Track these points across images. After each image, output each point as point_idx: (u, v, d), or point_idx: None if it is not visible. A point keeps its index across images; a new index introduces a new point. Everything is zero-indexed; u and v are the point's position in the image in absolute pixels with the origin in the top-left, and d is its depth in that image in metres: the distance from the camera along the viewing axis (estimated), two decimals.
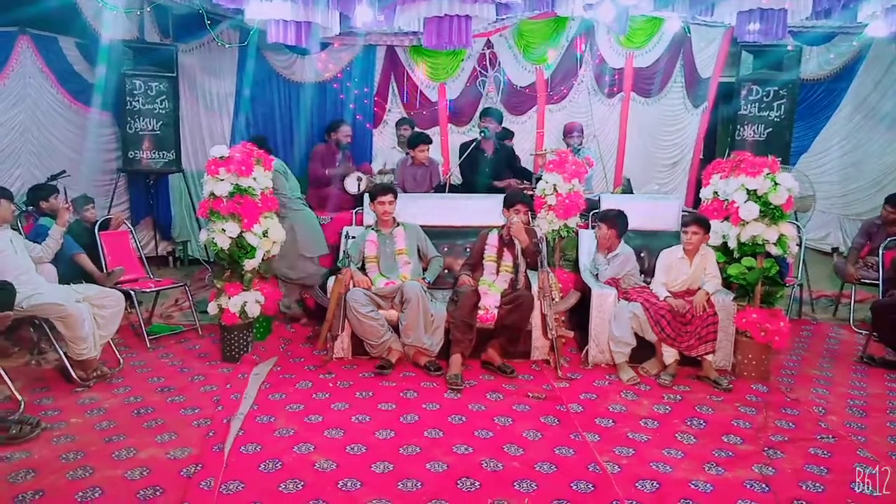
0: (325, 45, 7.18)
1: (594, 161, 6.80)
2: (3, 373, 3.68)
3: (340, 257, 4.56)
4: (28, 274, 4.11)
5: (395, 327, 4.39)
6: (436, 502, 2.78)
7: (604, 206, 5.17)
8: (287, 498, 2.79)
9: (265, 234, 4.54)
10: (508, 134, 7.03)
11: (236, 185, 4.33)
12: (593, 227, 4.97)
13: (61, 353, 4.02)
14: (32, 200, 5.32)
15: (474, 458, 3.17)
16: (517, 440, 3.36)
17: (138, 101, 6.88)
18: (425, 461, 3.12)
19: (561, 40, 7.38)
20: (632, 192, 6.77)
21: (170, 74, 6.96)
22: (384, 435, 3.40)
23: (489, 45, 7.42)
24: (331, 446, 3.27)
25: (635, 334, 4.29)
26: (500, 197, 4.88)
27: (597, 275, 4.73)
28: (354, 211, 5.57)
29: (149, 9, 6.74)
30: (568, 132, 6.73)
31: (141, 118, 6.93)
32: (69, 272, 4.76)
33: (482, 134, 6.20)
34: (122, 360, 4.37)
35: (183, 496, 2.78)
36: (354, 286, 4.40)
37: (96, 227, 5.22)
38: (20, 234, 4.50)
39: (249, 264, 4.46)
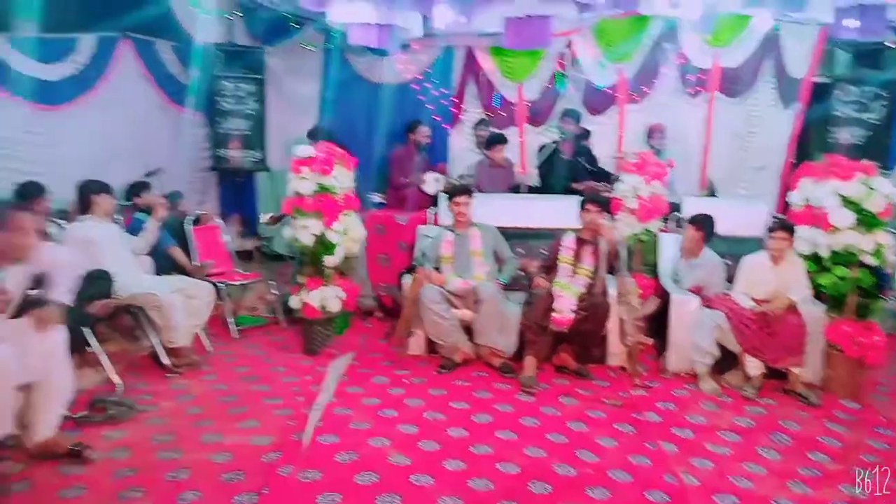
0: (405, 47, 7.29)
1: (675, 163, 6.62)
2: (104, 358, 3.94)
3: (416, 256, 4.63)
4: (126, 265, 4.36)
5: (468, 328, 4.42)
6: (506, 503, 2.80)
7: (686, 209, 5.03)
8: (362, 489, 2.87)
9: (345, 231, 4.66)
10: (585, 134, 6.94)
11: (319, 183, 4.47)
12: (678, 228, 4.84)
13: (155, 340, 4.26)
14: (130, 196, 5.64)
15: (547, 461, 3.16)
16: (591, 446, 3.33)
17: (228, 101, 7.20)
18: (497, 461, 3.13)
19: (643, 39, 7.21)
20: (716, 196, 6.56)
21: (257, 76, 7.25)
22: (456, 433, 3.44)
23: (569, 44, 7.34)
24: (405, 441, 3.33)
25: (718, 344, 4.16)
26: (577, 199, 4.83)
27: (677, 281, 4.61)
28: (431, 211, 5.64)
29: (239, 13, 7.03)
30: (651, 133, 6.59)
31: (230, 118, 7.25)
32: (163, 264, 5.03)
33: (561, 136, 6.15)
34: (210, 349, 4.59)
35: (263, 482, 2.90)
36: (430, 284, 4.46)
37: (188, 222, 5.49)
38: (120, 227, 4.79)
39: (330, 261, 4.60)
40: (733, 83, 7.35)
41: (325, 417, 3.59)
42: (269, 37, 7.38)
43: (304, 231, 4.49)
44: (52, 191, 4.53)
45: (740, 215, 5.05)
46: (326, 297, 4.61)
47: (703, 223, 4.54)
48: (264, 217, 6.36)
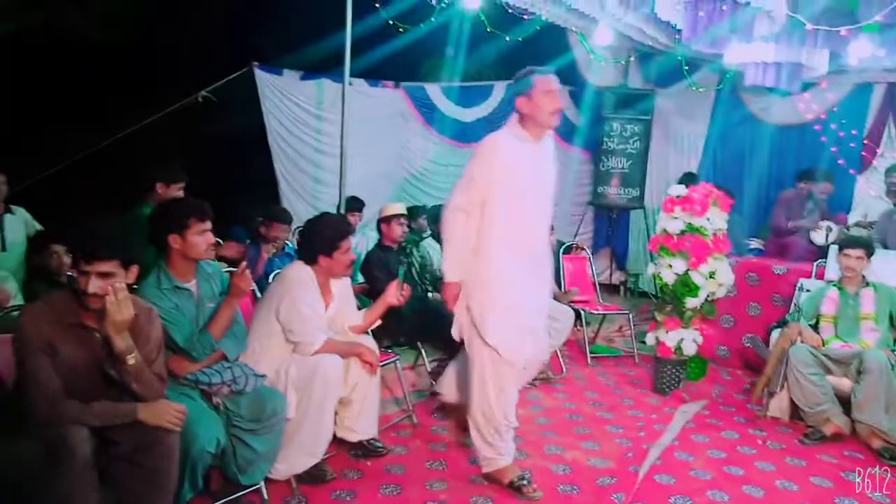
0: (808, 85, 6.70)
1: None
2: None
3: (791, 311, 4.24)
4: None
5: (844, 399, 3.86)
6: None
7: None
8: None
9: (712, 275, 4.51)
10: None
11: (689, 223, 4.43)
12: None
13: None
14: None
15: None
16: None
17: (613, 141, 7.56)
18: None
19: None
20: None
21: (645, 118, 7.47)
22: None
23: None
24: (747, 503, 3.10)
25: None
26: None
27: None
28: (816, 263, 5.08)
29: (633, 58, 7.34)
30: None
31: (613, 157, 7.60)
32: None
33: None
34: (565, 369, 4.90)
35: (596, 502, 3.02)
36: (802, 342, 4.04)
37: (560, 250, 5.94)
38: None
39: (691, 303, 4.50)
40: None
41: (664, 457, 3.54)
42: (661, 79, 7.53)
43: (668, 270, 4.49)
44: None
45: None
46: (683, 339, 4.52)
47: None
48: None
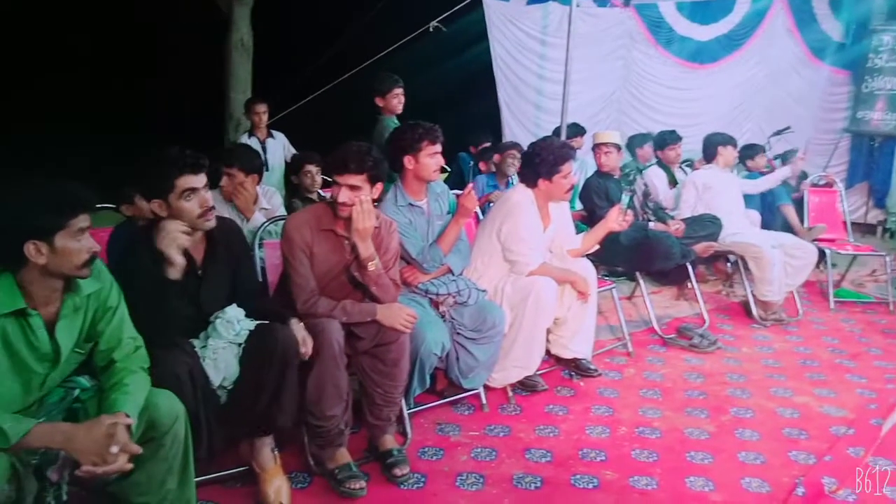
0: None
1: None
2: (699, 294, 4.34)
3: None
4: (735, 214, 4.59)
5: None
6: None
7: None
8: None
9: None
10: None
11: None
12: None
13: (748, 290, 4.43)
14: (748, 155, 5.76)
15: None
16: None
17: (881, 57, 6.51)
18: None
19: None
20: None
21: None
22: None
23: None
24: None
25: None
26: None
27: None
28: None
29: None
30: None
31: (881, 76, 6.55)
32: (772, 220, 5.09)
33: None
34: (801, 311, 4.50)
35: (827, 449, 2.81)
36: None
37: (800, 182, 5.37)
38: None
39: None
40: None
41: None
42: None
43: None
44: (686, 140, 5.07)
45: None
46: None
47: None
48: None
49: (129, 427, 1.71)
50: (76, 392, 1.90)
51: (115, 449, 1.64)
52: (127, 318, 1.96)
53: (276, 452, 2.38)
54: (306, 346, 2.28)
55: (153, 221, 2.17)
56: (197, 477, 2.05)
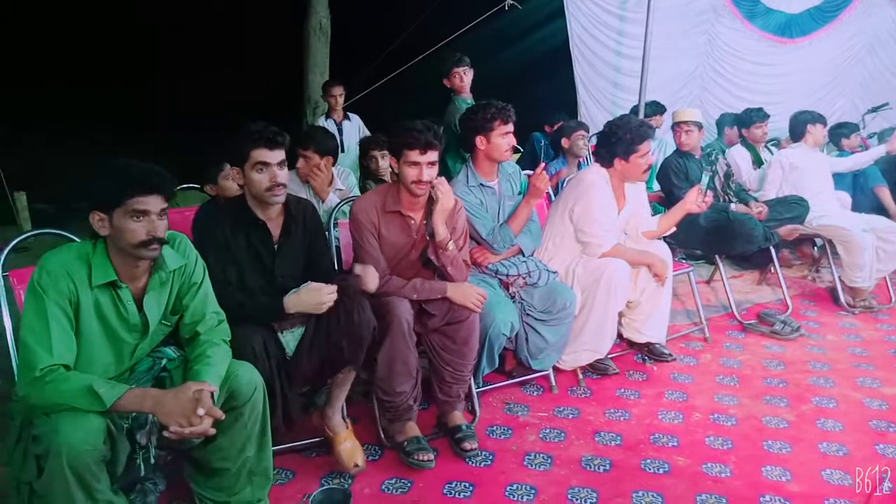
0: None
1: None
2: (782, 278, 4.16)
3: None
4: (824, 195, 4.36)
5: None
6: None
7: None
8: None
9: None
10: None
11: None
12: None
13: (836, 275, 4.21)
14: (840, 134, 5.44)
15: None
16: None
17: None
18: None
19: None
20: None
21: None
22: None
23: None
24: None
25: None
26: None
27: None
28: None
29: None
30: None
31: None
32: (865, 202, 4.81)
33: None
34: (893, 299, 4.25)
35: None
36: None
37: None
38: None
39: None
40: None
41: None
42: None
43: None
44: (772, 118, 4.83)
45: None
46: None
47: None
48: None
49: (212, 394, 1.81)
50: (163, 362, 2.03)
51: (201, 411, 1.74)
52: (211, 293, 2.07)
53: (347, 420, 2.47)
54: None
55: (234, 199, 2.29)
56: (274, 446, 2.16)
